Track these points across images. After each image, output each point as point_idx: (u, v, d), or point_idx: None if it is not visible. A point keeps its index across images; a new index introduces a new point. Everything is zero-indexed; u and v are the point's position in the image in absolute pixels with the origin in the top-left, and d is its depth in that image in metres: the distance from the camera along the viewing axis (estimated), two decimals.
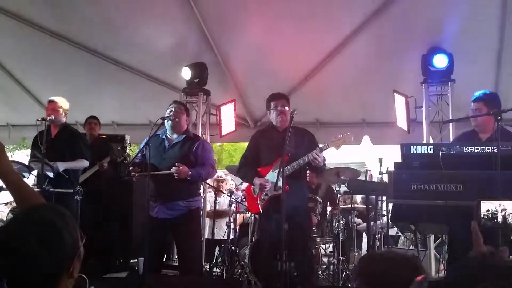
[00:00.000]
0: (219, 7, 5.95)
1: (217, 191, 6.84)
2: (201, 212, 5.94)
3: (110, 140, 6.71)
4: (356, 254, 6.11)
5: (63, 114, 5.51)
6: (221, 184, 7.33)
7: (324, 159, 4.50)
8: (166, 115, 4.57)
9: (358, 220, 6.67)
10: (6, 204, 8.19)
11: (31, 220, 1.43)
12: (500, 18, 5.26)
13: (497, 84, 5.93)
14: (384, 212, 6.13)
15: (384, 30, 5.70)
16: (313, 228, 5.67)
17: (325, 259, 5.81)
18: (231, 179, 8.42)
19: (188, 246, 4.62)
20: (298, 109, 4.47)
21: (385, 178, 5.19)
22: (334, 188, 6.34)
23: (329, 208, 6.65)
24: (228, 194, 6.42)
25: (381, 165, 5.95)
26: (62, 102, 5.51)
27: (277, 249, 4.08)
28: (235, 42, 6.38)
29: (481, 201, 1.78)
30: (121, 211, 6.47)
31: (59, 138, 5.45)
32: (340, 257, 5.56)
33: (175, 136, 4.64)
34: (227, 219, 6.21)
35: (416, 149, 3.54)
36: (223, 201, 7.09)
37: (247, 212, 6.56)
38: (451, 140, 5.33)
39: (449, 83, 5.62)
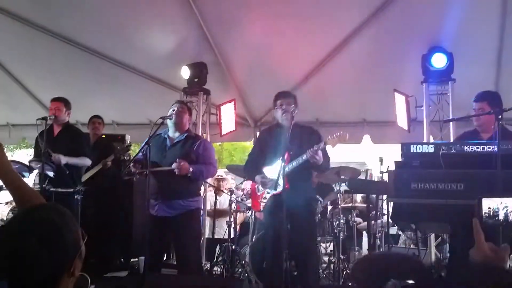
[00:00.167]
0: (219, 6, 5.95)
1: (218, 190, 6.84)
2: (202, 212, 5.95)
3: (110, 140, 6.72)
4: (356, 253, 6.11)
5: (66, 113, 5.53)
6: (221, 183, 7.33)
7: (329, 159, 4.50)
8: (168, 115, 4.59)
9: (358, 219, 6.67)
10: (7, 203, 8.19)
11: (31, 219, 1.43)
12: (500, 17, 5.26)
13: (498, 83, 5.94)
14: (385, 211, 6.13)
15: (384, 30, 5.70)
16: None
17: (326, 258, 5.81)
18: (232, 178, 8.42)
19: (186, 245, 4.62)
20: (298, 108, 4.53)
21: (386, 177, 5.21)
22: (335, 187, 6.34)
23: (329, 207, 6.65)
24: (229, 193, 6.42)
25: (381, 164, 5.96)
26: (65, 102, 5.53)
27: (278, 248, 4.09)
28: (235, 41, 6.38)
29: (483, 199, 1.78)
30: (122, 210, 6.47)
31: (62, 137, 5.47)
32: (341, 256, 5.56)
33: (177, 135, 4.67)
34: (227, 218, 6.21)
35: (416, 148, 3.53)
36: (224, 200, 7.09)
37: (248, 211, 6.57)
38: (451, 139, 5.33)
39: (450, 82, 5.62)
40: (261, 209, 4.73)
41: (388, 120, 6.61)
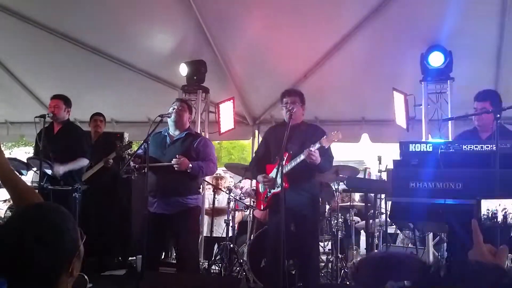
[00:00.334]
0: (218, 4, 5.93)
1: (216, 189, 6.84)
2: (201, 211, 5.94)
3: (111, 138, 6.71)
4: (354, 252, 6.11)
5: (65, 111, 5.51)
6: (220, 181, 7.33)
7: (331, 158, 4.48)
8: (168, 113, 4.59)
9: (356, 218, 6.67)
10: (5, 201, 8.19)
11: (30, 218, 1.42)
12: (499, 16, 5.25)
13: (497, 82, 5.93)
14: (383, 210, 6.13)
15: (383, 28, 5.69)
16: None
17: (324, 257, 5.81)
18: (230, 177, 8.42)
19: (185, 243, 4.62)
20: (303, 106, 4.57)
21: (384, 176, 5.20)
22: (333, 186, 6.34)
23: (327, 206, 6.65)
24: (227, 192, 6.42)
25: (380, 163, 5.96)
26: (65, 99, 5.51)
27: (277, 247, 4.08)
28: (234, 39, 6.37)
29: (482, 200, 1.77)
30: (120, 208, 6.47)
31: (61, 135, 5.46)
32: (339, 255, 5.56)
33: (177, 133, 4.67)
34: (225, 217, 6.21)
35: (415, 147, 3.53)
36: (222, 199, 7.09)
37: (246, 210, 6.57)
38: (450, 138, 5.33)
39: (448, 81, 5.61)
40: (261, 208, 4.74)
41: (387, 118, 6.61)
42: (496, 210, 1.81)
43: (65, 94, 5.62)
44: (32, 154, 5.80)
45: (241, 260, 5.77)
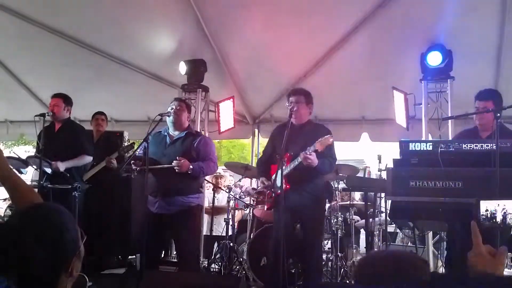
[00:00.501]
0: (218, 3, 5.93)
1: (216, 188, 6.84)
2: (202, 209, 5.94)
3: (113, 137, 6.71)
4: (354, 251, 6.11)
5: (65, 109, 5.51)
6: (219, 180, 7.34)
7: (333, 160, 4.45)
8: (167, 112, 4.58)
9: (356, 217, 6.67)
10: (5, 200, 8.19)
11: (30, 218, 1.42)
12: (500, 15, 5.25)
13: (497, 81, 5.93)
14: (383, 209, 6.13)
15: (383, 27, 5.69)
16: None
17: (324, 256, 5.81)
18: (230, 176, 8.42)
19: (186, 242, 4.62)
20: (308, 105, 4.53)
21: (384, 175, 5.20)
22: (333, 185, 6.34)
23: (327, 205, 6.65)
24: (227, 191, 6.42)
25: (380, 162, 5.96)
26: (65, 98, 5.51)
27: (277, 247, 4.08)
28: (234, 39, 6.36)
29: (480, 201, 1.77)
30: (120, 207, 6.47)
31: (62, 134, 5.46)
32: (338, 253, 5.56)
33: (176, 132, 4.65)
34: (225, 216, 6.21)
35: (415, 146, 3.53)
36: (222, 198, 7.09)
37: (246, 209, 6.57)
38: (450, 137, 5.33)
39: (448, 80, 5.61)
40: (265, 208, 4.75)
41: (387, 118, 6.62)
42: (495, 210, 1.80)
43: (65, 92, 5.62)
44: (33, 153, 5.79)
45: (241, 259, 5.78)
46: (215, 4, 5.92)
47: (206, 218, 6.83)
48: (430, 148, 3.48)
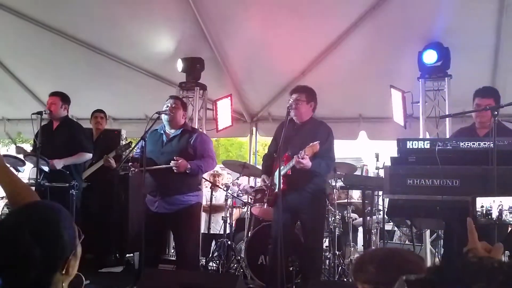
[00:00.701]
0: (216, 2, 5.93)
1: (214, 186, 6.83)
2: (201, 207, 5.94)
3: (112, 135, 6.71)
4: (352, 249, 6.11)
5: (63, 108, 5.50)
6: (217, 179, 7.32)
7: (330, 162, 4.43)
8: (165, 110, 4.57)
9: (354, 215, 6.67)
10: (2, 198, 8.16)
11: (27, 216, 1.41)
12: (497, 13, 5.26)
13: (494, 79, 5.94)
14: (380, 207, 6.14)
15: (381, 25, 5.69)
16: None
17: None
18: (228, 174, 8.42)
19: (186, 241, 4.62)
20: (308, 103, 4.52)
21: (382, 173, 5.21)
22: (330, 183, 6.34)
23: None
24: (225, 189, 6.42)
25: (377, 160, 5.97)
26: (62, 96, 5.50)
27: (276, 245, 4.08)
28: (232, 37, 6.36)
29: (476, 197, 1.77)
30: (118, 205, 6.47)
31: (60, 132, 5.45)
32: (336, 251, 5.57)
33: (172, 130, 4.64)
34: (223, 214, 6.21)
35: (412, 144, 3.53)
36: (219, 196, 7.09)
37: (243, 207, 6.57)
38: (447, 135, 5.34)
39: (446, 78, 5.62)
40: (265, 206, 4.75)
41: (384, 116, 6.62)
42: (491, 206, 1.80)
43: (62, 91, 5.61)
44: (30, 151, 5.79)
45: (239, 257, 5.78)
46: (214, 2, 5.92)
47: (203, 216, 6.82)
48: (428, 146, 3.48)
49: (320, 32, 6.08)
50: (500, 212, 1.80)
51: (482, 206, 1.79)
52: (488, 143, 3.32)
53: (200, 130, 6.46)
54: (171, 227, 4.73)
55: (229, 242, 5.89)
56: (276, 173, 4.31)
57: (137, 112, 7.86)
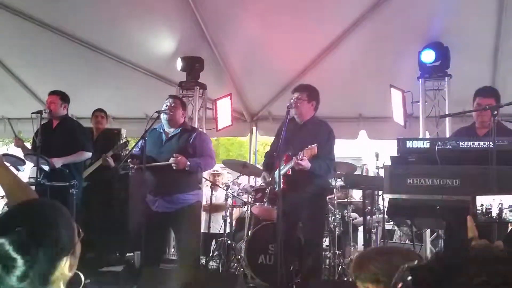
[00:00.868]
0: (215, 1, 5.93)
1: (214, 185, 6.84)
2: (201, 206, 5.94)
3: (112, 134, 6.72)
4: (352, 248, 6.12)
5: (62, 107, 5.50)
6: (217, 178, 7.32)
7: (329, 163, 4.41)
8: (163, 110, 4.57)
9: (354, 215, 6.68)
10: (2, 197, 8.16)
11: (24, 214, 1.41)
12: (497, 13, 5.26)
13: (494, 79, 5.94)
14: (380, 207, 6.14)
15: (381, 25, 5.69)
16: None
17: None
18: (228, 173, 8.42)
19: (187, 240, 4.63)
20: (310, 103, 4.53)
21: (382, 172, 5.21)
22: (331, 182, 6.34)
23: None
24: (225, 188, 6.42)
25: (377, 160, 5.96)
26: (61, 95, 5.50)
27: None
28: (231, 36, 6.36)
29: (476, 196, 1.77)
30: (118, 204, 6.47)
31: (59, 131, 5.45)
32: (336, 251, 5.57)
33: (172, 129, 4.65)
34: (223, 213, 6.22)
35: (412, 143, 3.53)
36: (219, 195, 7.09)
37: (244, 206, 6.57)
38: (447, 135, 5.34)
39: (446, 78, 5.62)
40: (266, 205, 4.76)
41: (384, 115, 6.62)
42: (491, 205, 1.80)
43: (63, 90, 5.60)
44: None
45: (239, 256, 5.78)
46: (213, 2, 5.92)
47: (204, 215, 6.82)
48: (428, 145, 3.49)
49: (320, 31, 6.08)
50: (500, 211, 1.80)
51: (482, 205, 1.79)
52: (488, 142, 3.32)
53: (200, 129, 6.47)
54: (172, 226, 4.73)
55: (229, 242, 5.90)
56: (277, 172, 4.31)
57: (137, 111, 7.86)
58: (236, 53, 6.64)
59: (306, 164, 4.13)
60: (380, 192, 5.62)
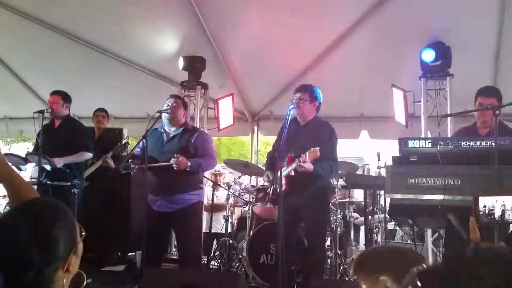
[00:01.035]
0: (217, 1, 5.93)
1: (215, 185, 6.84)
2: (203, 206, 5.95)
3: (113, 134, 6.72)
4: (353, 248, 6.12)
5: (64, 107, 5.51)
6: (218, 178, 7.32)
7: (332, 163, 4.40)
8: (166, 109, 4.58)
9: (355, 214, 6.68)
10: (4, 197, 8.17)
11: (27, 214, 1.41)
12: (499, 13, 5.25)
13: (496, 78, 5.93)
14: (382, 206, 6.13)
15: (383, 24, 5.69)
16: None
17: None
18: (229, 173, 8.42)
19: (188, 240, 4.63)
20: (310, 103, 4.52)
21: (383, 172, 5.20)
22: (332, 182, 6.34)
23: None
24: (226, 188, 6.42)
25: (379, 160, 5.96)
26: (63, 95, 5.51)
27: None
28: (233, 36, 6.36)
29: (479, 197, 1.77)
30: (120, 204, 6.48)
31: (61, 131, 5.46)
32: (338, 251, 5.57)
33: (173, 129, 4.64)
34: (224, 213, 6.22)
35: (414, 143, 3.52)
36: (221, 195, 7.09)
37: (245, 206, 6.57)
38: (449, 134, 5.33)
39: (448, 77, 5.61)
40: (268, 205, 4.76)
41: (386, 115, 6.61)
42: (493, 206, 1.80)
43: (64, 90, 5.62)
44: (32, 150, 5.80)
45: (240, 256, 5.78)
46: (215, 1, 5.92)
47: (205, 215, 6.83)
48: (429, 145, 3.48)
49: (322, 31, 6.08)
50: (503, 212, 1.80)
51: (484, 206, 1.78)
52: (490, 142, 3.31)
53: (202, 129, 6.47)
54: (173, 226, 4.74)
55: (230, 241, 5.90)
56: (279, 173, 4.31)
57: (138, 111, 7.86)
58: (238, 52, 6.64)
59: (309, 166, 4.14)
60: (382, 192, 5.62)
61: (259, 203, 5.64)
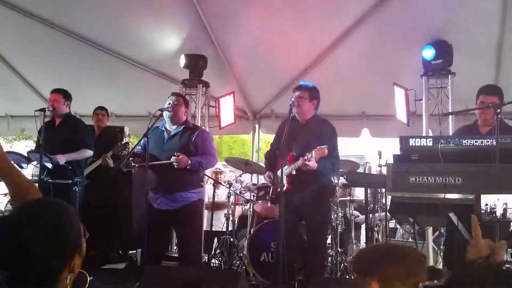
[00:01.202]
0: None
1: (216, 183, 6.84)
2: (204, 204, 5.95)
3: (114, 132, 6.72)
4: (354, 246, 6.12)
5: (65, 105, 5.52)
6: (219, 176, 7.33)
7: (334, 161, 4.41)
8: (167, 107, 4.58)
9: (356, 212, 6.68)
10: (5, 195, 8.18)
11: (32, 213, 1.41)
12: (501, 11, 5.24)
13: (498, 77, 5.92)
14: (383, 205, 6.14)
15: (384, 23, 5.68)
16: None
17: None
18: (230, 171, 8.43)
19: (189, 238, 4.64)
20: (310, 102, 4.51)
21: (384, 170, 5.20)
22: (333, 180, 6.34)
23: None
24: (227, 186, 6.43)
25: (380, 158, 5.95)
26: (64, 93, 5.52)
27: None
28: (235, 34, 6.35)
29: (481, 195, 1.76)
30: (121, 202, 6.48)
31: (62, 129, 5.48)
32: (339, 249, 5.57)
33: (174, 127, 4.65)
34: (225, 211, 6.22)
35: (415, 141, 3.52)
36: (222, 193, 7.09)
37: (246, 204, 6.58)
38: (450, 133, 5.33)
39: (449, 76, 5.61)
40: (268, 205, 4.76)
41: (387, 113, 6.61)
42: (495, 205, 1.80)
43: (65, 88, 5.63)
44: (33, 148, 5.82)
45: (241, 254, 5.79)
46: (217, 0, 5.91)
47: (206, 213, 6.84)
48: (430, 144, 3.48)
49: (323, 29, 6.07)
50: (505, 210, 1.80)
51: (486, 204, 1.78)
52: (491, 140, 3.31)
53: (203, 127, 6.47)
54: (174, 224, 4.74)
55: (231, 239, 5.90)
56: (279, 172, 4.31)
57: (139, 109, 7.87)
58: (239, 51, 6.64)
59: (314, 164, 4.14)
60: (383, 190, 5.62)
61: (260, 201, 5.65)
